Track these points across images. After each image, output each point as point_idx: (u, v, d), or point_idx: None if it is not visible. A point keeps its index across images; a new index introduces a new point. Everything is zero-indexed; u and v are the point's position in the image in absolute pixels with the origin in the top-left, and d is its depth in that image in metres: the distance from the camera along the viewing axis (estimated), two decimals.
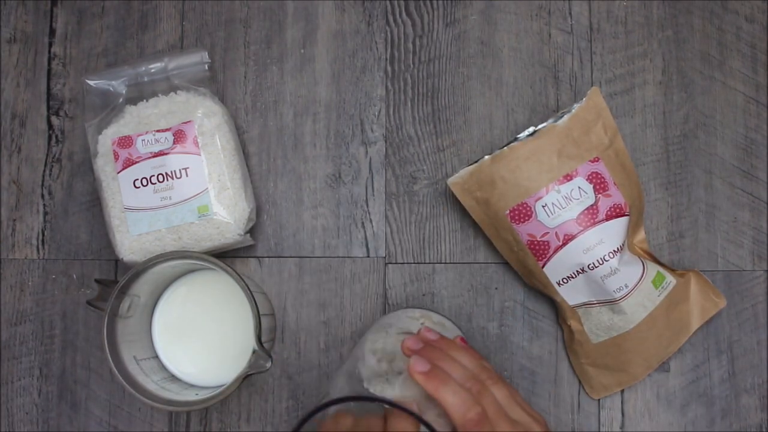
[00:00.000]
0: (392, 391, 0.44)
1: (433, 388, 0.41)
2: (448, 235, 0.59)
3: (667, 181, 0.59)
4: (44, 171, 0.60)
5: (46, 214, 0.59)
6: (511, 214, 0.53)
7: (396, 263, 0.58)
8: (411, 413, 0.37)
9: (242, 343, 0.54)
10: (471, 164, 0.54)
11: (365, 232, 0.59)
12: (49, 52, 0.61)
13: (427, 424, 0.37)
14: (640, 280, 0.53)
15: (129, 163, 0.55)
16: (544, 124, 0.53)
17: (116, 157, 0.55)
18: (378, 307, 0.58)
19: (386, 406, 0.39)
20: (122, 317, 0.51)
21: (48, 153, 0.60)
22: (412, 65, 0.60)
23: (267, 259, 0.59)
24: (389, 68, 0.60)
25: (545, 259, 0.53)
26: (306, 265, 0.58)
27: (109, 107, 0.57)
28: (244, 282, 0.49)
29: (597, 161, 0.53)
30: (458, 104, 0.60)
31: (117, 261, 0.58)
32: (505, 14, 0.60)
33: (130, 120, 0.56)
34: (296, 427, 0.37)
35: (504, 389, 0.45)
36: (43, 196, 0.59)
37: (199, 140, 0.55)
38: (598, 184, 0.53)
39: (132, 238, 0.54)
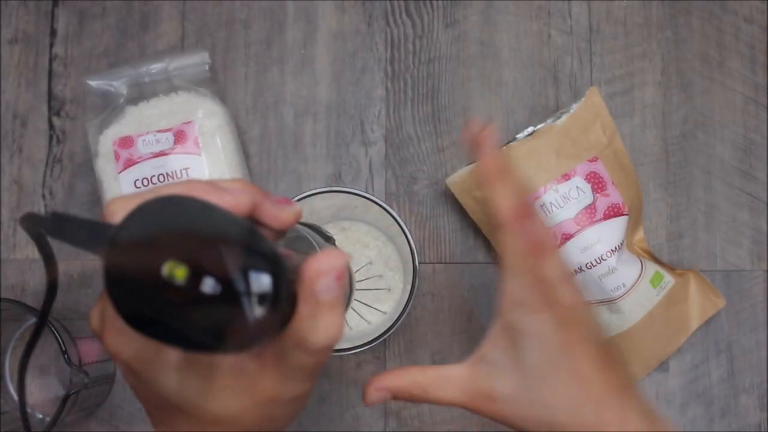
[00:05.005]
0: None
1: None
2: (448, 235, 0.59)
3: (666, 182, 0.59)
4: (45, 171, 0.60)
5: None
6: None
7: None
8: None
9: None
10: (470, 164, 0.54)
11: None
12: (50, 52, 0.61)
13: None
14: (637, 279, 0.53)
15: (130, 163, 0.55)
16: (543, 124, 0.53)
17: (117, 157, 0.55)
18: None
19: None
20: None
21: (49, 153, 0.60)
22: (412, 66, 0.60)
23: None
24: (389, 69, 0.60)
25: None
26: None
27: (109, 107, 0.57)
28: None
29: (595, 161, 0.53)
30: (458, 104, 0.60)
31: None
32: (505, 15, 0.60)
33: (131, 120, 0.56)
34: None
35: None
36: (44, 196, 0.60)
37: (199, 140, 0.55)
38: (596, 183, 0.53)
39: None
